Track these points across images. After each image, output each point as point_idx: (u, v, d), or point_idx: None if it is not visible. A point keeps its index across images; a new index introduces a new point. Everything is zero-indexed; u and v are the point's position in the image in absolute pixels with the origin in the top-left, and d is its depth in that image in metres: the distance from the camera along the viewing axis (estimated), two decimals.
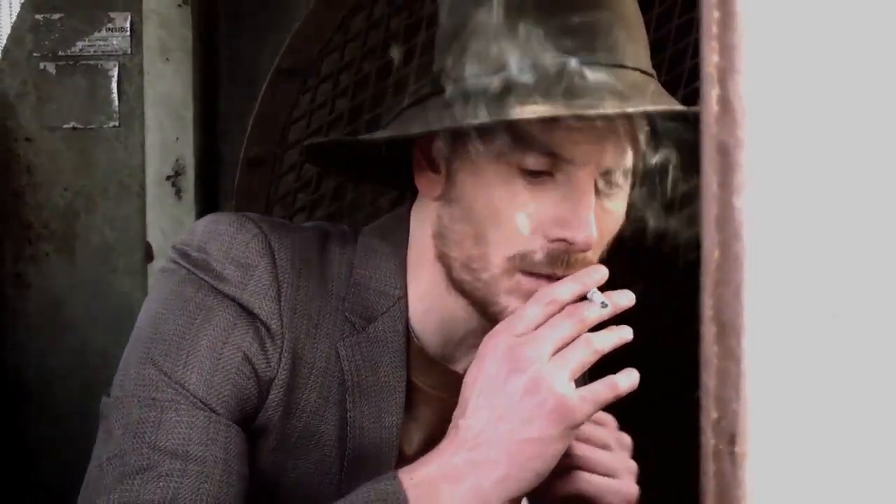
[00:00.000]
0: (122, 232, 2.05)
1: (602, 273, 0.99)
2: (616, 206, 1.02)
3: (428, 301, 1.09)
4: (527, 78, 0.95)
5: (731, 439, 0.37)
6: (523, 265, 0.99)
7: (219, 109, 2.02)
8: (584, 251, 0.99)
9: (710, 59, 0.36)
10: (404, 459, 1.03)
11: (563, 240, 0.98)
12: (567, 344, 0.96)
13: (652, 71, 1.02)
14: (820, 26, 0.36)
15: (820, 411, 0.37)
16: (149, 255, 2.02)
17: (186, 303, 1.02)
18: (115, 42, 1.99)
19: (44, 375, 2.11)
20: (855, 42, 0.35)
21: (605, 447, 1.04)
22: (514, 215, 0.98)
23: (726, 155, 0.36)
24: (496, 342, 0.97)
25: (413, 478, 0.93)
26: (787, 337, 0.37)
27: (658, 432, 1.81)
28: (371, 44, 1.76)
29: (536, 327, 0.97)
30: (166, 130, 1.97)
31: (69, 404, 2.10)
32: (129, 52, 1.99)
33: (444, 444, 0.95)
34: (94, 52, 2.00)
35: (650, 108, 0.95)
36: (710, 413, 0.38)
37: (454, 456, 0.94)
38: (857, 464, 0.37)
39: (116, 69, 2.00)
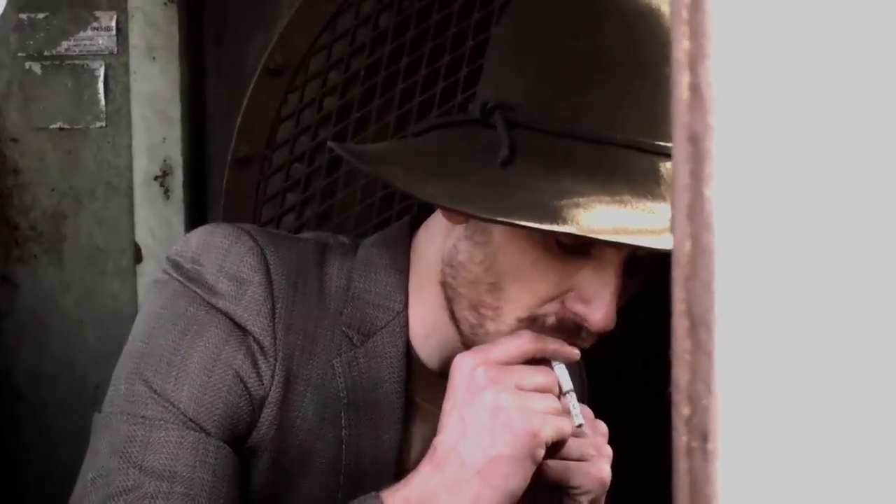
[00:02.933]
0: (110, 233, 2.04)
1: (576, 357, 0.99)
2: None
3: (430, 325, 1.06)
4: (590, 153, 0.92)
5: (704, 436, 0.36)
6: (533, 327, 0.98)
7: (206, 108, 2.01)
8: (598, 332, 0.98)
9: (681, 44, 0.35)
10: (406, 477, 1.02)
11: (580, 315, 0.97)
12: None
13: None
14: (795, 7, 0.35)
15: (794, 407, 0.36)
16: (137, 257, 2.01)
17: (178, 317, 1.00)
18: (100, 41, 1.97)
19: (33, 377, 2.10)
20: (831, 24, 0.34)
21: (577, 434, 1.03)
22: (538, 278, 0.95)
23: (696, 144, 0.35)
24: (466, 361, 0.96)
25: (395, 497, 0.92)
26: (759, 331, 0.36)
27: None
28: (359, 41, 1.75)
29: (510, 360, 0.96)
30: (153, 130, 1.96)
31: (59, 406, 2.09)
32: (115, 51, 1.98)
33: (423, 463, 0.94)
34: (80, 51, 1.99)
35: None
36: (682, 409, 0.37)
37: (430, 476, 0.93)
38: (832, 460, 0.36)
39: (103, 69, 1.99)
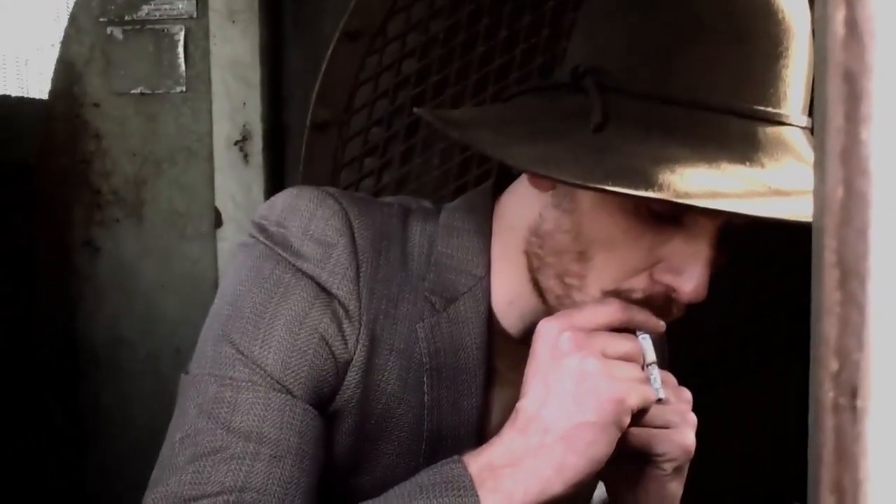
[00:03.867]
0: (190, 197, 2.06)
1: (662, 329, 0.97)
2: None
3: (512, 292, 1.05)
4: (684, 118, 0.90)
5: (853, 392, 0.35)
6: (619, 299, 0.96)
7: (285, 73, 2.00)
8: (687, 304, 0.96)
9: None
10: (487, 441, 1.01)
11: (670, 286, 0.95)
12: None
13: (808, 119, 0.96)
14: None
15: None
16: (218, 221, 2.02)
17: (264, 280, 1.00)
18: (180, 5, 1.98)
19: (113, 340, 2.13)
20: None
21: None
22: (628, 248, 0.93)
23: (853, 83, 0.33)
24: (551, 326, 0.94)
25: (478, 462, 0.91)
26: None
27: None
28: (439, 4, 1.73)
29: (596, 327, 0.94)
30: (233, 95, 1.96)
31: (138, 369, 2.12)
32: (194, 15, 1.98)
33: (506, 428, 0.93)
34: (160, 15, 2.00)
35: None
36: (828, 365, 0.35)
37: (513, 441, 0.91)
38: None
39: (182, 33, 1.99)
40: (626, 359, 0.94)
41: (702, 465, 1.12)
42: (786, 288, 1.81)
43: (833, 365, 0.35)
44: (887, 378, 0.34)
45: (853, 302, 0.34)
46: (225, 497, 0.92)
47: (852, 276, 0.34)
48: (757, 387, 1.86)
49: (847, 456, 0.36)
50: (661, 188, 0.83)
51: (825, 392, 0.36)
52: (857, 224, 0.34)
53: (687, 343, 1.31)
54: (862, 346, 0.34)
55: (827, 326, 0.35)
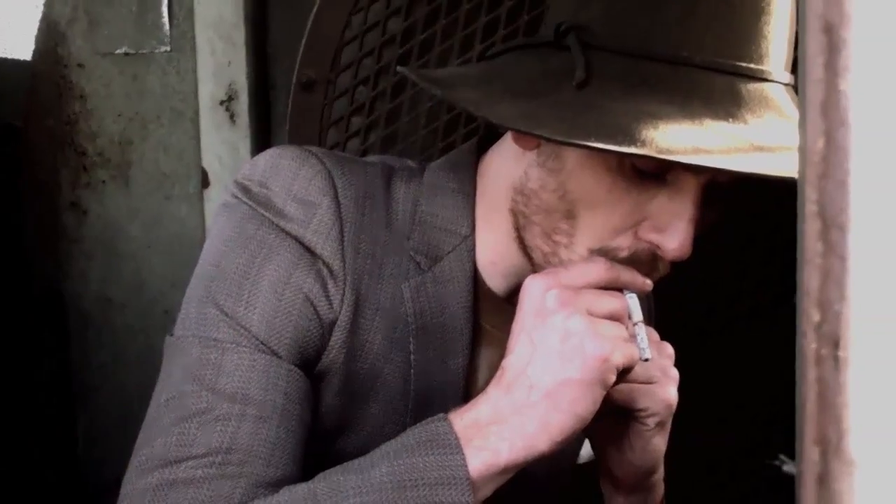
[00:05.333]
0: (176, 158, 2.04)
1: (648, 288, 0.97)
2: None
3: (498, 252, 1.06)
4: (668, 75, 0.89)
5: (835, 343, 0.35)
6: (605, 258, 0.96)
7: (270, 31, 1.99)
8: (673, 261, 0.96)
9: None
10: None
11: (655, 244, 0.95)
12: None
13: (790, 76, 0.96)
14: None
15: None
16: (204, 182, 2.01)
17: (247, 240, 1.00)
18: None
19: (101, 303, 2.12)
20: None
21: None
22: (613, 206, 0.94)
23: (831, 33, 0.33)
24: (537, 283, 0.94)
25: (463, 419, 0.92)
26: None
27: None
28: None
29: (582, 286, 0.94)
30: (218, 54, 1.94)
31: (127, 331, 2.12)
32: None
33: (491, 386, 0.93)
34: None
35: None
36: (811, 316, 0.35)
37: (498, 398, 0.92)
38: None
39: None
40: (612, 317, 0.94)
41: (689, 420, 1.13)
42: (775, 243, 1.81)
43: (815, 316, 0.35)
44: (869, 328, 0.35)
45: (834, 252, 0.34)
46: (211, 458, 0.92)
47: (833, 226, 0.34)
48: (745, 342, 1.87)
49: (830, 407, 0.36)
50: (644, 145, 0.83)
51: (808, 343, 0.36)
52: (837, 175, 0.34)
53: (675, 299, 1.32)
54: (843, 297, 0.34)
55: (809, 278, 0.35)
